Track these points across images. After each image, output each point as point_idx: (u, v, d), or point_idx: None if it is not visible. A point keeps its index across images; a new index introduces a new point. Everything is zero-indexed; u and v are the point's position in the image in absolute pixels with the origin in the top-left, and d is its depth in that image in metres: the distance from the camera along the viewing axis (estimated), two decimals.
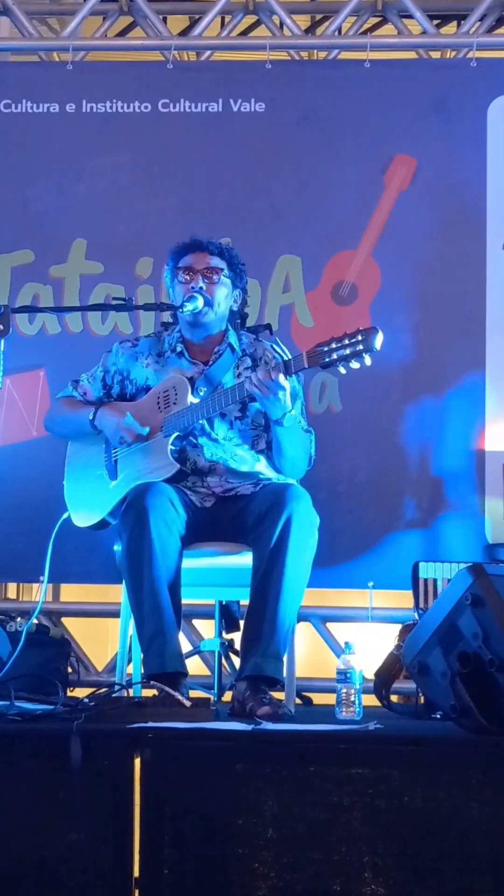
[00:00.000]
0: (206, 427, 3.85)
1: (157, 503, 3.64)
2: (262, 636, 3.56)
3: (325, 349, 3.57)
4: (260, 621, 3.57)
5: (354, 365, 3.56)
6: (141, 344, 4.03)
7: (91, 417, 3.92)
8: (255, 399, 3.70)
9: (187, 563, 3.70)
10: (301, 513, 3.62)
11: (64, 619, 5.16)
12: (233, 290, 3.94)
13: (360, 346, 3.53)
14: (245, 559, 3.71)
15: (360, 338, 3.54)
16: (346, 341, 3.55)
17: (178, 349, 3.96)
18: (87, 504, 3.98)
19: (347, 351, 3.54)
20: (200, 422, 3.82)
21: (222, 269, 3.90)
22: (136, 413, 3.85)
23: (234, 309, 4.00)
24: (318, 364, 3.59)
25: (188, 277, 3.88)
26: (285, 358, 3.67)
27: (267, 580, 3.58)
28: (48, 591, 5.21)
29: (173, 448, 3.79)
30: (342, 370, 3.59)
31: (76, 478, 4.04)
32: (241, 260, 3.98)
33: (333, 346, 3.57)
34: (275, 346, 3.78)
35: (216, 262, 3.90)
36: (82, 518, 3.99)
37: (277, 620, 3.56)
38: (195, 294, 3.83)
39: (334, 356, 3.56)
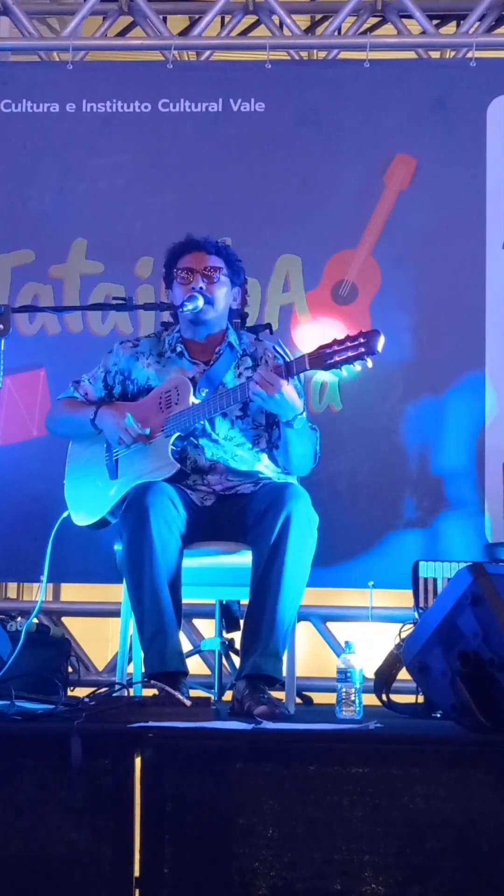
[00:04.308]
0: (207, 427, 3.85)
1: (157, 502, 3.64)
2: (261, 635, 3.56)
3: (328, 351, 3.58)
4: (259, 620, 3.58)
5: (356, 367, 3.57)
6: (141, 344, 4.04)
7: (92, 417, 3.92)
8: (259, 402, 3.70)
9: (187, 562, 3.70)
10: (300, 512, 3.62)
11: (64, 619, 5.16)
12: (231, 288, 3.95)
13: (362, 349, 3.55)
14: (245, 558, 3.71)
15: (361, 340, 3.55)
16: (348, 343, 3.57)
17: (178, 349, 3.96)
18: (88, 503, 3.98)
19: (349, 353, 3.56)
20: (202, 422, 3.82)
21: (221, 268, 3.91)
22: (138, 413, 3.85)
23: (234, 307, 4.00)
24: (320, 366, 3.60)
25: (188, 278, 3.89)
26: (287, 359, 3.69)
27: (266, 579, 3.59)
28: (48, 590, 5.21)
29: (174, 448, 3.80)
30: (344, 372, 3.60)
31: (77, 477, 4.05)
32: (238, 257, 3.99)
33: (335, 348, 3.58)
34: (276, 347, 3.79)
35: (214, 261, 3.91)
36: (82, 517, 4.00)
37: (276, 619, 3.56)
38: (195, 294, 3.84)
39: (336, 358, 3.57)
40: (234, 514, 3.78)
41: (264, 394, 3.61)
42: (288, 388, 3.63)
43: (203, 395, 3.83)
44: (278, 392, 3.60)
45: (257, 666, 3.55)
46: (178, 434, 3.80)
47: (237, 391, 3.72)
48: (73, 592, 5.45)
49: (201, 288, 3.86)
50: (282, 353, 3.73)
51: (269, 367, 3.74)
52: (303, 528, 3.63)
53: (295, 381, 3.75)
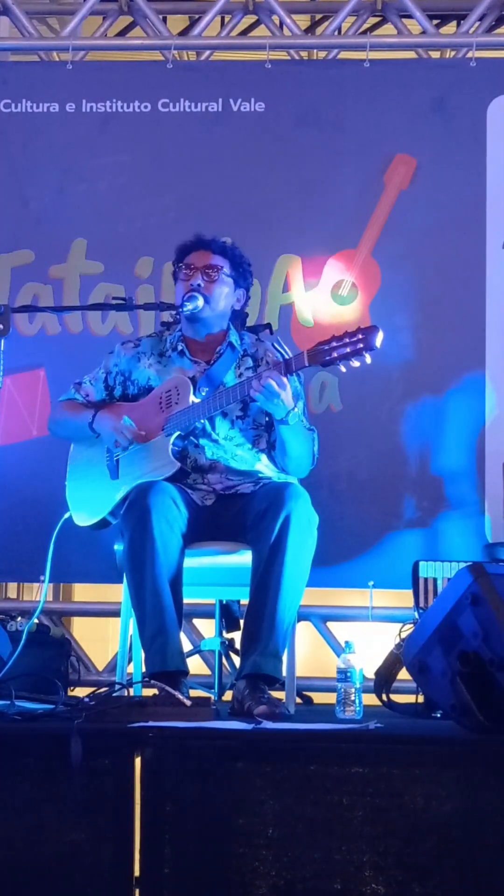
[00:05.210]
0: (208, 427, 3.85)
1: (159, 502, 3.64)
2: (261, 635, 3.57)
3: (326, 347, 3.59)
4: (259, 620, 3.58)
5: (355, 363, 3.58)
6: (143, 344, 4.04)
7: (90, 421, 3.93)
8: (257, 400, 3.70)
9: (188, 562, 3.70)
10: (300, 512, 3.63)
11: (66, 619, 5.17)
12: (235, 289, 3.96)
13: (361, 345, 3.56)
14: (245, 558, 3.72)
15: (360, 336, 3.57)
16: (347, 340, 3.58)
17: (180, 348, 3.97)
18: (89, 503, 3.99)
19: (348, 349, 3.57)
20: (202, 422, 3.82)
21: (222, 268, 3.91)
22: (138, 413, 3.86)
23: (237, 308, 4.00)
24: (318, 362, 3.61)
25: (188, 274, 3.90)
26: (286, 357, 3.69)
27: (266, 579, 3.59)
28: (50, 590, 5.21)
29: (175, 448, 3.80)
30: (343, 368, 3.61)
31: (78, 477, 4.05)
32: (247, 260, 4.00)
33: (334, 344, 3.59)
34: (276, 344, 3.79)
35: (217, 260, 3.92)
36: (83, 517, 4.00)
37: (276, 619, 3.57)
38: (195, 293, 3.85)
39: (335, 354, 3.58)
40: (234, 514, 3.78)
41: (266, 392, 3.61)
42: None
43: (203, 394, 3.84)
44: (280, 395, 3.61)
45: (257, 665, 3.55)
46: (178, 433, 3.80)
47: (237, 390, 3.73)
48: (82, 593, 5.45)
49: (199, 285, 3.87)
50: (280, 350, 3.73)
51: (270, 367, 3.75)
52: (303, 528, 3.63)
53: (294, 381, 3.75)
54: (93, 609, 5.21)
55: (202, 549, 3.79)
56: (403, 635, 3.95)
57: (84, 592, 5.92)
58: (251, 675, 3.55)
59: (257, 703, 3.46)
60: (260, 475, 3.88)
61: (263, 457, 3.91)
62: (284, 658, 3.68)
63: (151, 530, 3.60)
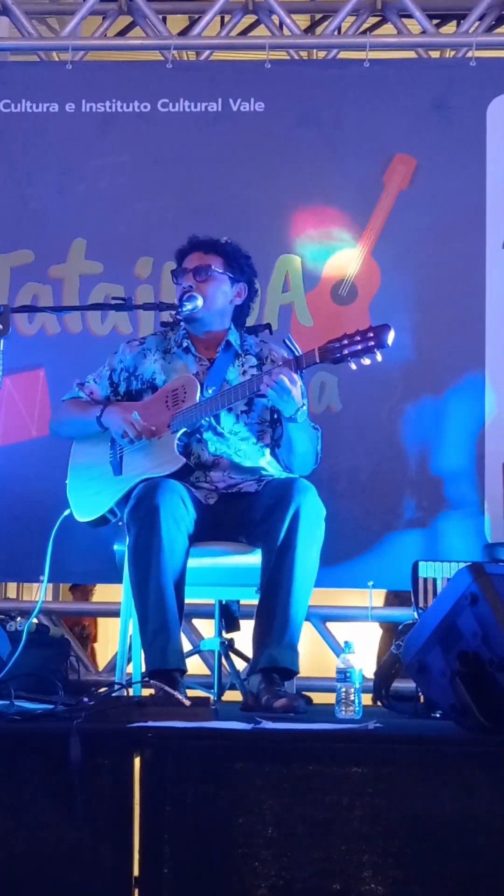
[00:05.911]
0: (213, 421, 3.86)
1: (167, 500, 3.64)
2: (276, 628, 3.57)
3: (337, 345, 3.62)
4: (273, 614, 3.58)
5: (366, 361, 3.60)
6: (148, 341, 4.06)
7: (98, 415, 3.93)
8: (265, 396, 3.70)
9: (189, 562, 3.69)
10: (309, 505, 3.64)
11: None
12: (232, 285, 3.96)
13: (372, 342, 3.59)
14: (247, 559, 3.72)
15: (371, 334, 3.59)
16: (358, 338, 3.60)
17: (185, 344, 3.97)
18: (91, 499, 3.97)
19: (359, 347, 3.60)
20: (207, 419, 3.83)
21: (212, 266, 3.91)
22: (145, 412, 3.86)
23: (238, 302, 4.00)
24: (329, 359, 3.63)
25: (181, 278, 3.91)
26: (297, 354, 3.70)
27: (278, 573, 3.59)
28: (49, 590, 5.21)
29: (179, 444, 3.80)
30: (353, 366, 3.62)
31: (80, 476, 4.04)
32: (244, 254, 4.00)
33: (345, 342, 3.61)
34: (286, 340, 3.78)
35: (208, 259, 3.93)
36: (84, 513, 3.98)
37: (290, 613, 3.58)
38: (193, 294, 3.86)
39: (346, 352, 3.61)
40: (238, 513, 3.78)
41: (278, 388, 3.62)
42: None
43: (209, 393, 3.84)
44: (291, 391, 3.62)
45: (273, 659, 3.56)
46: (184, 430, 3.80)
47: (245, 387, 3.74)
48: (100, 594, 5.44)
49: (190, 286, 3.88)
50: (291, 346, 3.74)
51: (279, 364, 3.75)
52: (312, 521, 3.64)
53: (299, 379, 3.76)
54: (93, 609, 5.21)
55: (205, 548, 3.78)
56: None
57: (103, 593, 5.90)
58: (267, 669, 3.55)
59: (275, 696, 3.47)
60: (263, 472, 3.88)
61: (267, 452, 3.92)
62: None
63: (159, 529, 3.60)
